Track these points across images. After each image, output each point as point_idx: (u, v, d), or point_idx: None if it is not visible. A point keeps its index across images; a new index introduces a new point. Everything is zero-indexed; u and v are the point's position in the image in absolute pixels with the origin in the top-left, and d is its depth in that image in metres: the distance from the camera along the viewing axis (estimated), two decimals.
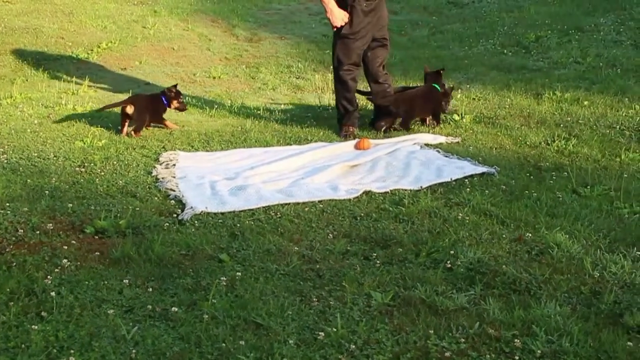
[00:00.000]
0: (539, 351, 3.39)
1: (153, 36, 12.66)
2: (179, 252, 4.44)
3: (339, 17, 7.59)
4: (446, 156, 6.76)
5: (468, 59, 11.70)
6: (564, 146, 6.94)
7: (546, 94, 9.07)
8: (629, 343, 3.46)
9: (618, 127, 7.65)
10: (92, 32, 12.50)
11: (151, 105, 7.61)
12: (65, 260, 4.21)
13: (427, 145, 7.15)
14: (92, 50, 11.55)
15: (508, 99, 9.04)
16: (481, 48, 12.41)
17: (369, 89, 8.20)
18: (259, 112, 8.75)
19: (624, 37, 11.92)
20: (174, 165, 6.31)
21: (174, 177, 5.96)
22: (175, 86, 7.82)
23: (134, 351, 3.31)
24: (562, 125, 7.75)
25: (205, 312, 3.68)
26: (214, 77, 10.95)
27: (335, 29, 7.72)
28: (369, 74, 8.00)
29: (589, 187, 5.74)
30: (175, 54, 12.06)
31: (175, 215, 5.11)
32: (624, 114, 8.11)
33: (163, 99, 7.73)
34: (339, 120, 7.87)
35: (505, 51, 12.05)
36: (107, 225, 4.74)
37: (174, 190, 5.61)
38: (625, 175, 6.05)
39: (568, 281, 4.13)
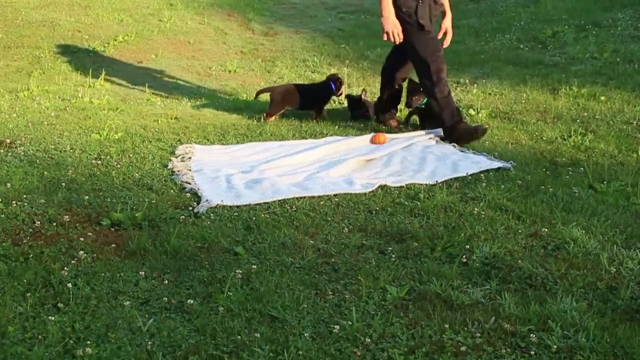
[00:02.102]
0: (554, 346, 3.37)
1: (169, 29, 12.70)
2: (195, 244, 4.45)
3: (392, 26, 7.00)
4: (462, 151, 6.75)
5: (484, 54, 11.67)
6: (580, 142, 6.91)
7: (563, 90, 9.03)
8: None
9: (635, 122, 7.61)
10: (108, 25, 12.55)
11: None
12: (81, 252, 4.23)
13: (442, 139, 7.14)
14: (108, 43, 11.61)
15: (524, 94, 9.01)
16: (497, 43, 12.37)
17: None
18: None
19: None
20: (190, 158, 6.32)
21: (190, 170, 5.98)
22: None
23: (149, 343, 3.32)
24: (578, 121, 7.72)
25: (220, 304, 3.68)
26: (230, 71, 10.97)
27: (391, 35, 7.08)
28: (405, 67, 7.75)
29: (605, 182, 5.72)
30: (191, 48, 12.09)
31: (190, 208, 5.12)
32: None
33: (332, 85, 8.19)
34: (447, 117, 7.13)
35: (521, 46, 12.00)
36: (123, 217, 4.76)
37: (189, 183, 5.62)
38: None
39: (584, 276, 4.11)
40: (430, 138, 7.16)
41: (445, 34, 7.37)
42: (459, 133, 7.02)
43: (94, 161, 6.02)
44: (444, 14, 7.44)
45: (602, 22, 12.55)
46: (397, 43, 7.09)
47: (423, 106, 7.55)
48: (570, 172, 6.01)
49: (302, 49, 12.37)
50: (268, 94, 8.13)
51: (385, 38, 7.12)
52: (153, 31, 12.45)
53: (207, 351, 3.28)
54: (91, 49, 11.25)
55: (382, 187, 5.63)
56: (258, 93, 8.34)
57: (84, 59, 10.78)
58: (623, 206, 5.27)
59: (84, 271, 4.02)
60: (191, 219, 4.89)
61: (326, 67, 11.06)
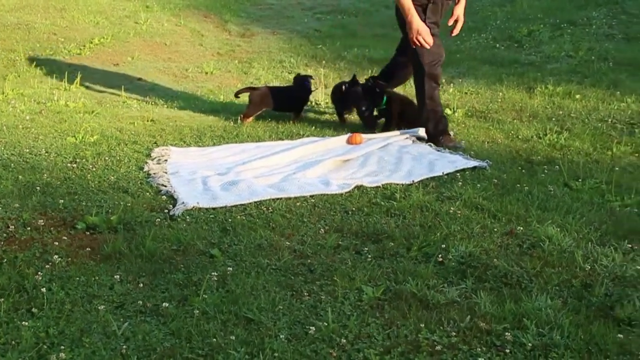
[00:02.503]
0: (529, 344, 3.39)
1: (145, 32, 12.65)
2: (170, 247, 4.43)
3: (419, 31, 6.81)
4: (438, 150, 6.77)
5: (460, 53, 11.69)
6: (555, 140, 6.95)
7: (538, 88, 9.08)
8: (619, 335, 3.46)
9: (610, 120, 7.67)
10: (84, 27, 12.49)
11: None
12: (56, 257, 4.20)
13: (419, 139, 7.15)
14: (84, 46, 11.54)
15: (500, 93, 9.05)
16: (474, 42, 12.40)
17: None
18: None
19: (616, 31, 11.94)
20: (166, 160, 6.30)
21: (166, 172, 5.95)
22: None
23: (124, 347, 3.30)
24: (554, 119, 7.77)
25: (196, 307, 3.67)
26: (206, 73, 10.94)
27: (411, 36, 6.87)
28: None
29: (580, 180, 5.75)
30: (167, 50, 12.05)
31: (166, 210, 5.10)
32: (615, 108, 8.14)
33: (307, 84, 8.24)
34: (431, 127, 7.13)
35: (497, 45, 12.05)
36: (98, 221, 4.73)
37: (165, 186, 5.60)
38: (617, 169, 6.07)
39: (559, 274, 4.13)
40: (407, 138, 7.17)
41: (456, 21, 7.21)
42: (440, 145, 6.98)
43: (69, 164, 5.99)
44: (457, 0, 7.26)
45: (577, 21, 12.63)
46: (428, 47, 6.86)
47: (384, 106, 7.60)
48: (546, 171, 6.04)
49: (279, 50, 12.35)
50: (247, 94, 8.12)
51: (414, 45, 6.91)
52: (129, 33, 12.39)
53: (182, 354, 3.27)
54: (67, 52, 11.18)
55: (358, 187, 5.63)
56: (238, 93, 8.32)
57: (59, 62, 10.72)
58: (598, 203, 5.31)
59: (59, 275, 4.00)
60: (167, 222, 4.87)
61: (303, 68, 11.04)
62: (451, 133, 7.17)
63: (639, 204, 5.30)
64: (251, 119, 7.86)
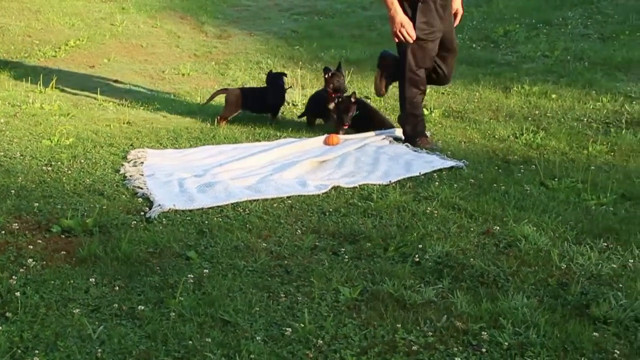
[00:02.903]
0: (506, 343, 3.39)
1: (121, 33, 12.59)
2: (147, 250, 4.41)
3: (402, 24, 6.63)
4: (415, 150, 6.77)
5: None
6: (532, 139, 6.98)
7: (514, 88, 9.12)
8: (594, 334, 3.48)
9: (585, 119, 7.72)
10: (59, 30, 12.41)
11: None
12: (30, 260, 4.16)
13: (396, 140, 7.16)
14: (59, 48, 11.47)
15: (477, 93, 9.08)
16: None
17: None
18: None
19: (591, 31, 12.00)
20: (142, 162, 6.26)
21: (142, 174, 5.92)
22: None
23: (99, 350, 3.28)
24: (530, 119, 7.80)
25: (172, 309, 3.65)
26: (183, 74, 10.90)
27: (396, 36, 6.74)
28: (437, 74, 7.17)
29: (556, 179, 5.78)
30: (143, 51, 12.00)
31: (142, 213, 5.08)
32: (591, 107, 8.18)
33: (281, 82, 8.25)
34: (409, 129, 7.09)
35: (474, 45, 12.07)
36: (73, 224, 4.70)
37: (141, 188, 5.57)
38: (592, 168, 6.10)
39: (535, 273, 4.15)
40: (384, 138, 7.17)
41: (455, 14, 7.12)
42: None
43: (44, 167, 5.94)
44: None
45: (552, 21, 12.69)
46: (411, 41, 6.69)
47: (357, 112, 7.44)
48: (522, 170, 6.07)
49: (256, 51, 12.33)
50: (223, 95, 8.10)
51: (396, 40, 6.81)
52: (105, 35, 12.33)
53: (157, 357, 3.25)
54: (42, 54, 11.12)
55: (335, 188, 5.63)
56: (210, 98, 8.29)
57: (34, 65, 10.66)
58: (574, 202, 5.34)
59: (33, 279, 3.96)
60: (143, 224, 4.85)
61: (280, 69, 10.99)
62: (428, 134, 7.14)
63: (615, 202, 5.34)
64: (227, 120, 7.84)
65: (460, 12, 7.20)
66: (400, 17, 6.64)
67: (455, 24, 7.19)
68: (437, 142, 7.03)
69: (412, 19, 6.69)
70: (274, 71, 8.48)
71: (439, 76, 7.19)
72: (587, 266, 4.24)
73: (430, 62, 6.93)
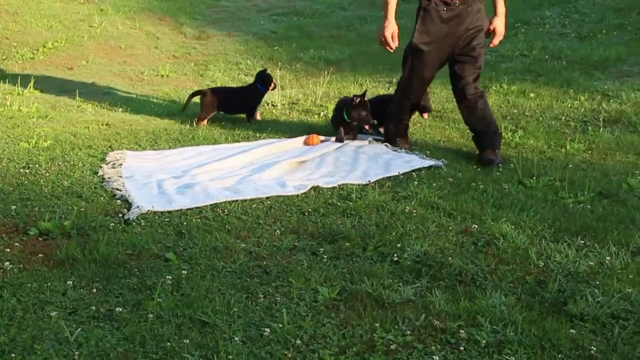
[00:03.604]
0: (483, 341, 3.41)
1: (100, 35, 12.55)
2: (125, 252, 4.40)
3: (388, 32, 6.44)
4: (394, 150, 6.78)
5: None
6: (510, 138, 7.01)
7: (493, 87, 9.14)
8: (572, 331, 3.50)
9: (563, 118, 7.75)
10: (37, 31, 12.35)
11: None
12: (7, 263, 4.14)
13: (375, 140, 7.17)
14: (37, 50, 11.43)
15: None
16: None
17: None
18: None
19: (569, 30, 12.06)
20: (121, 164, 6.24)
21: (121, 176, 5.90)
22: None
23: (77, 353, 3.26)
24: (508, 118, 7.84)
25: (150, 311, 3.64)
26: (162, 76, 10.87)
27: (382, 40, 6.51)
28: (456, 92, 6.77)
29: (534, 178, 5.81)
30: (122, 53, 11.96)
31: (121, 215, 5.06)
32: (569, 106, 8.22)
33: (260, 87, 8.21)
34: (391, 128, 7.03)
35: None
36: (51, 226, 4.67)
37: (120, 190, 5.55)
38: (570, 166, 6.13)
39: (513, 271, 4.17)
40: (362, 139, 7.17)
41: (494, 31, 6.65)
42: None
43: (22, 170, 5.91)
44: (495, 10, 6.72)
45: (530, 20, 12.75)
46: (391, 51, 6.57)
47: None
48: (501, 169, 6.10)
49: (235, 52, 12.32)
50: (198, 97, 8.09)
51: (380, 44, 6.63)
52: (83, 37, 12.28)
53: (135, 359, 3.24)
54: (20, 56, 11.06)
55: (314, 188, 5.63)
56: (187, 101, 8.26)
57: (12, 67, 10.61)
58: (552, 201, 5.37)
59: (10, 282, 3.94)
60: (121, 226, 4.83)
61: (259, 70, 11.01)
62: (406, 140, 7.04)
63: (592, 200, 5.37)
64: (205, 121, 7.82)
65: (500, 32, 6.70)
66: (389, 23, 6.45)
67: (492, 44, 6.76)
68: (414, 143, 7.03)
69: (414, 24, 6.58)
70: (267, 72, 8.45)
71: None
72: (564, 264, 4.26)
73: (427, 74, 6.67)
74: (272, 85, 8.22)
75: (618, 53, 10.26)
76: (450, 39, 6.47)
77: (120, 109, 8.61)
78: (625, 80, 9.23)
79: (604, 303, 3.74)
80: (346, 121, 7.03)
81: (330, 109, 8.38)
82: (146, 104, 8.96)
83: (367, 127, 6.99)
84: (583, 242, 4.58)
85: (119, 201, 5.35)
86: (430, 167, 6.16)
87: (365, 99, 6.96)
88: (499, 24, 6.68)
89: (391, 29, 6.44)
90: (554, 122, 7.62)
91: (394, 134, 7.02)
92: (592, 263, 4.26)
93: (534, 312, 3.69)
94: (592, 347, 3.36)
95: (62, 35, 12.18)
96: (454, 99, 6.94)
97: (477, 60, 6.59)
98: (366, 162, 6.39)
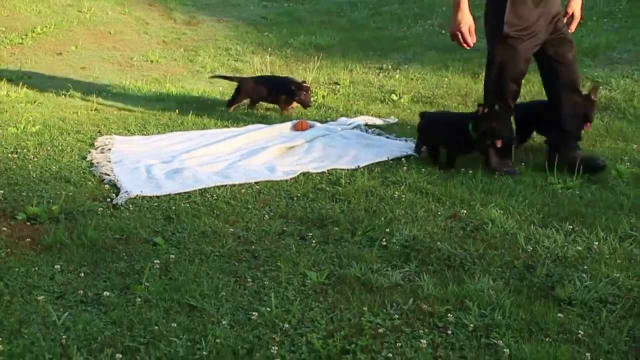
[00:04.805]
0: (471, 325, 3.41)
1: (89, 20, 12.48)
2: (113, 236, 4.38)
3: (465, 26, 5.68)
4: (384, 136, 6.78)
5: (407, 40, 11.73)
6: None
7: (483, 73, 9.09)
8: (559, 314, 3.50)
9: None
10: (26, 16, 12.27)
11: None
12: None
13: (366, 125, 7.16)
14: (26, 35, 11.35)
15: (446, 79, 9.10)
16: (420, 29, 12.43)
17: (557, 102, 5.89)
18: (197, 95, 8.68)
19: None
20: (110, 149, 6.23)
21: (109, 161, 5.89)
22: None
23: (64, 337, 3.25)
24: None
25: (138, 295, 3.63)
26: (152, 61, 10.83)
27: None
28: (561, 80, 5.86)
29: (523, 163, 5.81)
30: (112, 38, 11.91)
31: (109, 199, 5.04)
32: None
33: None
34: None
35: (443, 31, 12.05)
36: (39, 211, 4.66)
37: (108, 175, 5.54)
38: None
39: (502, 256, 4.17)
40: (351, 124, 7.16)
41: (572, 16, 6.05)
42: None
43: (10, 155, 5.89)
44: None
45: None
46: (467, 48, 5.83)
47: None
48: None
49: (225, 38, 12.28)
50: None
51: (452, 39, 5.86)
52: (72, 22, 12.22)
53: (123, 343, 3.22)
54: (9, 42, 10.99)
55: (304, 173, 5.63)
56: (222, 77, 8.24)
57: (0, 52, 10.53)
58: (540, 186, 5.38)
59: None
60: (110, 211, 4.82)
61: (249, 56, 11.00)
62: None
63: (581, 186, 5.37)
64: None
65: (578, 16, 6.10)
66: (462, 15, 5.70)
67: (571, 30, 6.05)
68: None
69: (501, 11, 5.73)
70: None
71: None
72: (552, 249, 4.26)
73: (523, 67, 5.86)
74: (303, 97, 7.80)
75: (608, 40, 10.24)
76: (543, 23, 5.75)
77: (110, 95, 8.57)
78: (615, 67, 9.22)
79: (591, 287, 3.74)
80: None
81: (321, 95, 8.40)
82: (135, 90, 8.92)
83: (499, 143, 5.62)
84: (571, 227, 4.58)
85: (107, 186, 5.34)
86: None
87: (497, 107, 5.69)
88: (577, 7, 6.10)
89: (468, 21, 5.66)
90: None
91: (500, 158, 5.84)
92: (580, 248, 4.27)
93: (522, 296, 3.69)
94: (580, 331, 3.36)
95: (51, 21, 12.11)
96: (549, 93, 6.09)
97: (571, 38, 5.94)
98: (356, 147, 6.37)
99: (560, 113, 5.81)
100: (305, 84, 7.67)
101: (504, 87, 5.85)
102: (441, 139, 6.01)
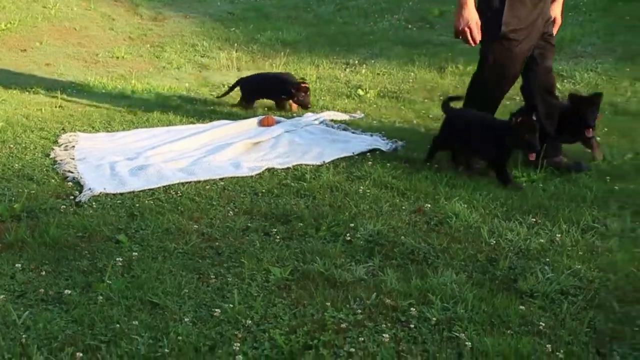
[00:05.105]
0: (434, 319, 3.42)
1: (54, 16, 12.36)
2: (75, 234, 4.35)
3: (473, 22, 5.36)
4: (349, 131, 6.78)
5: (373, 35, 11.74)
6: None
7: (449, 68, 9.19)
8: (521, 307, 3.53)
9: (518, 98, 7.76)
10: None
11: None
12: None
13: (332, 121, 7.16)
14: None
15: (412, 74, 9.13)
16: (386, 24, 12.44)
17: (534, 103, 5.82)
18: (162, 91, 8.63)
19: None
20: (73, 147, 6.18)
21: (73, 158, 5.84)
22: None
23: (24, 336, 3.22)
24: None
25: (100, 293, 3.61)
26: (118, 57, 10.74)
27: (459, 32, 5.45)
28: (540, 83, 5.79)
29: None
30: (77, 34, 11.80)
31: (72, 197, 5.01)
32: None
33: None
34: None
35: (410, 26, 12.13)
36: (1, 209, 4.62)
37: (72, 172, 5.49)
38: None
39: (465, 250, 4.19)
40: (317, 119, 7.16)
41: (554, 20, 5.85)
42: None
43: None
44: None
45: None
46: (473, 45, 5.54)
47: None
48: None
49: (192, 34, 12.20)
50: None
51: (459, 37, 5.55)
52: (37, 18, 12.09)
53: (84, 341, 3.20)
54: None
55: (269, 169, 5.62)
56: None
57: None
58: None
59: None
60: (72, 209, 4.79)
61: (216, 52, 10.94)
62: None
63: (545, 179, 5.42)
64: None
65: (559, 20, 5.95)
66: (468, 12, 5.38)
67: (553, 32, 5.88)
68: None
69: (494, 10, 5.50)
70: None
71: None
72: (515, 242, 4.30)
73: (519, 69, 5.71)
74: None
75: (572, 34, 10.33)
76: (540, 25, 5.61)
77: (74, 91, 8.50)
78: (579, 60, 9.31)
79: (553, 279, 3.78)
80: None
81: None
82: (101, 86, 8.85)
83: (532, 157, 5.41)
84: (534, 220, 4.62)
85: (70, 183, 5.29)
86: (386, 147, 6.16)
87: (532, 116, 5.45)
88: (559, 12, 5.95)
89: (474, 17, 5.37)
90: (509, 102, 7.63)
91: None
92: (542, 240, 4.30)
93: (484, 290, 3.72)
94: (541, 323, 3.39)
95: (15, 16, 11.97)
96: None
97: (553, 45, 5.86)
98: (322, 143, 6.37)
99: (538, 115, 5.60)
100: (304, 84, 7.66)
101: (497, 89, 5.82)
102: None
